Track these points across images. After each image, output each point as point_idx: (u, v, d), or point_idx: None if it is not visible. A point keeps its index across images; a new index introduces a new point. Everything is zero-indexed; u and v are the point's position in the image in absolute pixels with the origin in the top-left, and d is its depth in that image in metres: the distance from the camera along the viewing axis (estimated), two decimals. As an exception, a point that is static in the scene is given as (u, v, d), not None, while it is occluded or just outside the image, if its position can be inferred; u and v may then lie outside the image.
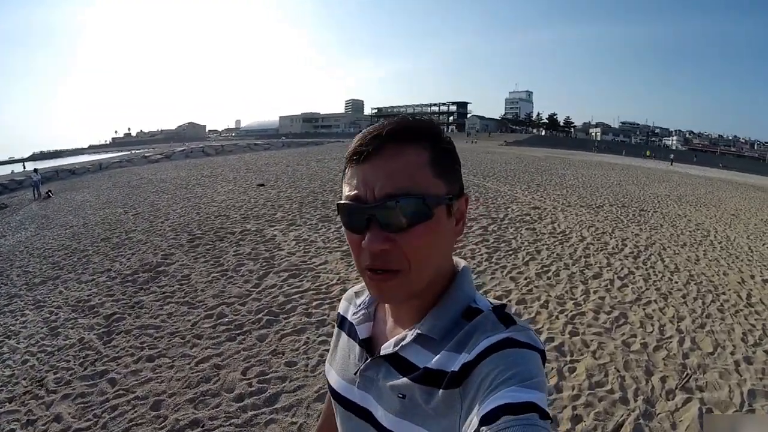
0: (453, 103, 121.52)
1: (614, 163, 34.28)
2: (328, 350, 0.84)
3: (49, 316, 4.85)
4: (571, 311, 4.54)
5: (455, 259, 0.69)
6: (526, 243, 7.06)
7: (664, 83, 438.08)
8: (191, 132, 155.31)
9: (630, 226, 9.00)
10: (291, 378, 3.26)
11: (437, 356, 0.60)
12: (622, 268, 6.08)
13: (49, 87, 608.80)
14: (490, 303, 0.65)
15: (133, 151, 58.98)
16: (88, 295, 5.27)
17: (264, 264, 5.70)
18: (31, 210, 14.10)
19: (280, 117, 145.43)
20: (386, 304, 0.71)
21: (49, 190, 17.23)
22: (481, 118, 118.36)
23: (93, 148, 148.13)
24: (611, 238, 7.75)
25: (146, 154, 36.47)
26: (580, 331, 4.12)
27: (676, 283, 5.61)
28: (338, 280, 5.00)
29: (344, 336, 0.79)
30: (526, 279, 5.41)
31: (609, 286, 5.35)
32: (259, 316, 4.20)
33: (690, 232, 8.94)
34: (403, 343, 0.64)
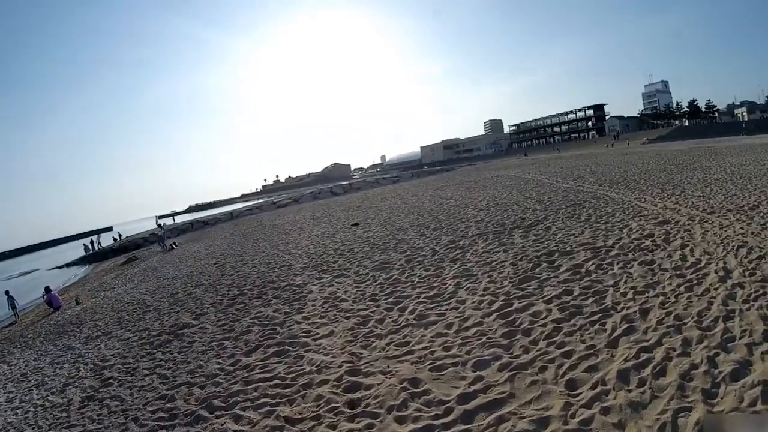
0: (589, 107, 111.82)
1: (769, 143, 26.95)
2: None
3: (75, 371, 5.33)
4: None
5: None
6: (629, 294, 4.56)
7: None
8: (337, 172, 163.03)
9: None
10: None
11: None
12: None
13: (206, 145, 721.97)
14: None
15: (275, 197, 65.11)
16: (112, 354, 5.53)
17: (267, 332, 5.26)
18: (151, 262, 16.28)
19: (421, 147, 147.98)
20: None
21: (173, 242, 19.77)
22: (620, 118, 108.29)
23: (245, 197, 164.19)
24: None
25: (275, 200, 39.20)
26: None
27: None
28: (319, 365, 4.10)
29: None
30: (596, 391, 2.93)
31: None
32: (163, 415, 3.75)
33: None
34: None
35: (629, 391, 2.84)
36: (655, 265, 5.36)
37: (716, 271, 4.85)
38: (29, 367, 6.19)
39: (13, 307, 12.61)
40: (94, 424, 3.87)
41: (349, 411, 3.20)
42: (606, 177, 15.48)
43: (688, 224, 7.13)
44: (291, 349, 4.59)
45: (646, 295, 4.48)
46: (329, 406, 3.29)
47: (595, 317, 4.17)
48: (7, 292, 13.03)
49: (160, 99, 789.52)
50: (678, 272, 5.05)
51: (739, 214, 7.42)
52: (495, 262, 6.43)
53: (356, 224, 12.85)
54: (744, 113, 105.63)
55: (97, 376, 4.95)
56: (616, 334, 3.69)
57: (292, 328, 5.19)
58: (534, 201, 11.71)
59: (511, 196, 13.60)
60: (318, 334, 4.93)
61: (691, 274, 4.94)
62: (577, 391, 2.95)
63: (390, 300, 5.63)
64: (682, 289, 4.52)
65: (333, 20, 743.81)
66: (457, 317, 4.68)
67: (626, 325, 3.84)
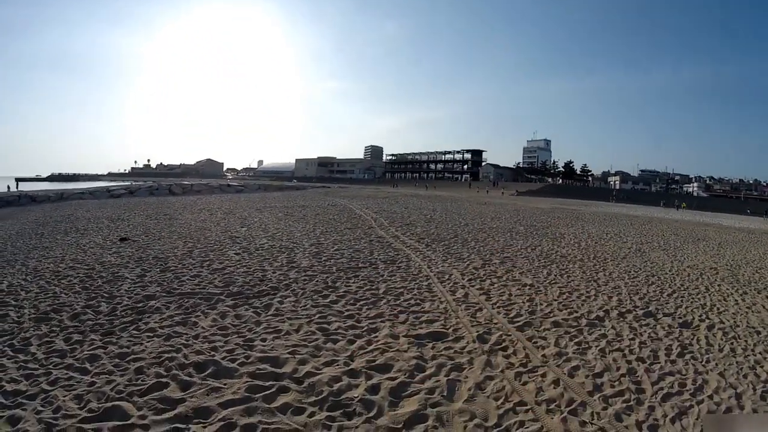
0: (468, 151, 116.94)
1: (635, 215, 29.40)
2: None
3: None
4: None
5: None
6: None
7: (683, 129, 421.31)
8: (209, 168, 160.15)
9: (668, 387, 4.04)
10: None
11: None
12: None
13: (79, 113, 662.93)
14: None
15: (129, 182, 61.26)
16: None
17: None
18: None
19: (296, 160, 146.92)
20: None
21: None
22: (495, 166, 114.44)
23: (111, 176, 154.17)
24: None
25: (110, 188, 36.70)
26: None
27: None
28: None
29: None
30: None
31: None
32: None
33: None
34: None
35: None
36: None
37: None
38: None
39: None
40: None
41: None
42: (438, 230, 14.11)
43: (474, 349, 4.59)
44: None
45: None
46: None
47: None
48: None
49: (56, 48, 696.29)
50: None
51: (576, 331, 5.18)
52: (102, 374, 3.87)
53: (125, 239, 11.83)
54: (616, 182, 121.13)
55: None
56: None
57: None
58: (314, 252, 9.50)
59: (306, 237, 11.75)
60: None
61: None
62: None
63: None
64: None
65: (232, 15, 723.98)
66: None
67: None
